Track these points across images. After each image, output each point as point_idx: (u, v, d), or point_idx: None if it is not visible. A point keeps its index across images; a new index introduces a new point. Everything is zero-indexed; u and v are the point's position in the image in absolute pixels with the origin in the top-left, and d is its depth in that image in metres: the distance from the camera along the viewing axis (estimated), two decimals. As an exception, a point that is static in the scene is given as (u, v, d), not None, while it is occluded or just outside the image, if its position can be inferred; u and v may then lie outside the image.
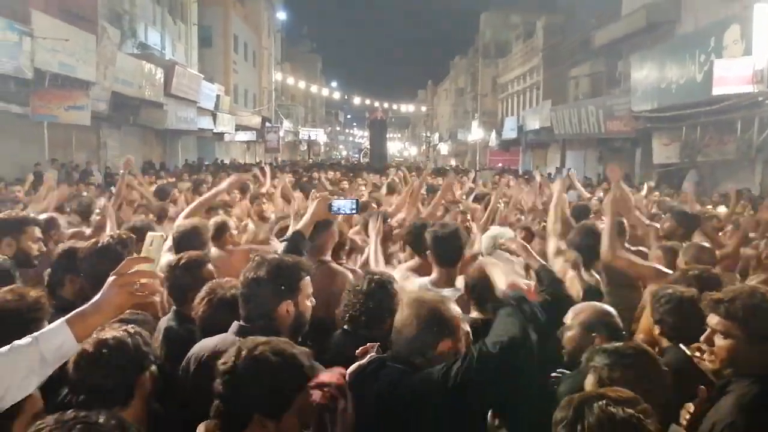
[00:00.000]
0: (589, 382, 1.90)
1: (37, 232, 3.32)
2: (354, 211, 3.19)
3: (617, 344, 2.01)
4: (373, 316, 2.52)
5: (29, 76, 11.74)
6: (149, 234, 1.79)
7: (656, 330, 2.66)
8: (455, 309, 2.20)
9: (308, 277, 2.27)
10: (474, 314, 2.86)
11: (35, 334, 1.58)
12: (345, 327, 2.60)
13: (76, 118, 13.59)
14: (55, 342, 1.56)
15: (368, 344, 2.22)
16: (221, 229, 4.17)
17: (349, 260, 4.02)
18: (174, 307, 2.70)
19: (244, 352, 1.65)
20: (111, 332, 1.88)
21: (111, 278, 1.65)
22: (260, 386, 1.62)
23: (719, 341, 2.03)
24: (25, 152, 13.33)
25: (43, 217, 4.04)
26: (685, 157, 14.81)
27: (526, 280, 2.56)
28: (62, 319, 1.61)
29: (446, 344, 2.08)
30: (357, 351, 2.21)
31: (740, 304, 1.99)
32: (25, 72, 11.53)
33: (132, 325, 1.98)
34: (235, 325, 2.20)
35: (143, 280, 1.65)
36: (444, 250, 3.26)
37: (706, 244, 3.93)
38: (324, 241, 3.34)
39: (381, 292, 2.56)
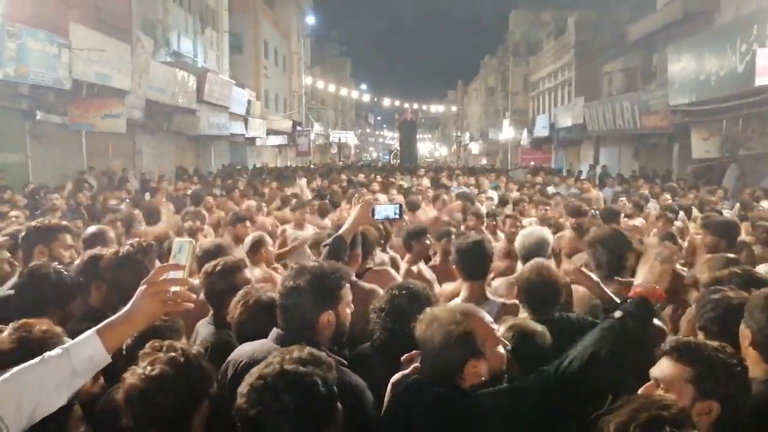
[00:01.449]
0: (680, 374, 1.81)
1: (69, 239, 3.34)
2: (397, 216, 3.12)
3: (712, 343, 1.90)
4: (395, 332, 2.39)
5: (68, 87, 12.05)
6: (176, 240, 1.75)
7: (700, 336, 2.51)
8: (484, 322, 2.08)
9: (348, 285, 2.21)
10: (524, 314, 2.79)
11: (66, 345, 1.55)
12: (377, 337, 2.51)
13: (112, 126, 13.90)
14: (86, 353, 1.52)
15: (414, 351, 2.13)
16: (257, 245, 4.18)
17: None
18: (211, 312, 2.71)
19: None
20: (161, 364, 1.74)
21: (142, 287, 1.61)
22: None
23: None
24: (64, 160, 13.71)
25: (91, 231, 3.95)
26: (726, 152, 14.31)
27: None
28: (92, 329, 1.56)
29: (473, 365, 1.94)
30: (402, 358, 2.15)
31: None
32: (63, 83, 11.84)
33: (186, 351, 1.83)
34: (274, 332, 2.16)
35: (174, 288, 1.61)
36: (470, 262, 3.14)
37: (731, 255, 3.60)
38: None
39: (416, 300, 2.46)
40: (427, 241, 4.34)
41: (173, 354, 1.77)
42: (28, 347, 1.80)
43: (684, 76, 15.19)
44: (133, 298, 1.61)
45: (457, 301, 3.12)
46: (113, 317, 1.59)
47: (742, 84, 12.07)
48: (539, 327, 2.44)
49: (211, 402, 1.80)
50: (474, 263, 3.15)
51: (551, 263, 3.41)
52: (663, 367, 1.83)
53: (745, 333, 2.12)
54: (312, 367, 1.63)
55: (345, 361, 2.12)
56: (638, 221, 6.66)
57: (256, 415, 1.55)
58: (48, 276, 2.63)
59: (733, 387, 1.75)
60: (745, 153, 13.88)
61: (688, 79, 14.95)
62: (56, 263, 2.85)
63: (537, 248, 3.76)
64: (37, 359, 1.50)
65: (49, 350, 1.70)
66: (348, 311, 2.21)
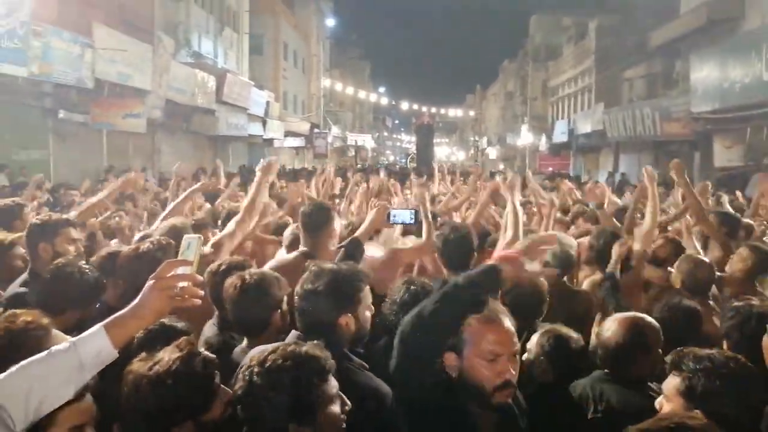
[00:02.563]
0: (672, 386, 1.77)
1: (73, 233, 3.24)
2: (412, 221, 3.12)
3: (710, 351, 1.84)
4: None
5: (90, 86, 12.22)
6: (186, 236, 1.73)
7: (724, 344, 2.49)
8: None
9: (367, 287, 2.19)
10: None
11: (73, 339, 1.54)
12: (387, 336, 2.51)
13: (132, 126, 14.06)
14: (94, 348, 1.51)
15: None
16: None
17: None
18: (216, 313, 2.67)
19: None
20: (165, 361, 1.72)
21: (149, 282, 1.60)
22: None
23: None
24: (85, 159, 13.89)
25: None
26: (750, 160, 14.08)
27: None
28: (100, 324, 1.56)
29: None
30: None
31: None
32: (86, 82, 12.00)
33: (192, 351, 1.79)
34: (292, 334, 2.13)
35: (182, 284, 1.60)
36: (455, 253, 3.15)
37: (704, 259, 3.59)
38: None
39: (414, 300, 2.45)
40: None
41: (189, 351, 1.76)
42: (8, 337, 1.79)
43: (707, 83, 14.97)
44: (140, 294, 1.60)
45: None
46: (121, 312, 1.59)
47: (768, 92, 11.87)
48: (574, 333, 2.43)
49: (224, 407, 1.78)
50: (458, 254, 3.16)
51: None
52: (667, 380, 1.81)
53: None
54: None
55: (366, 364, 2.09)
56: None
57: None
58: (72, 276, 2.60)
59: (729, 400, 1.67)
60: (770, 162, 13.64)
61: (711, 86, 14.73)
62: (83, 263, 2.82)
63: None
64: (44, 353, 1.50)
65: (33, 341, 1.73)
66: (368, 314, 2.19)
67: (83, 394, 1.60)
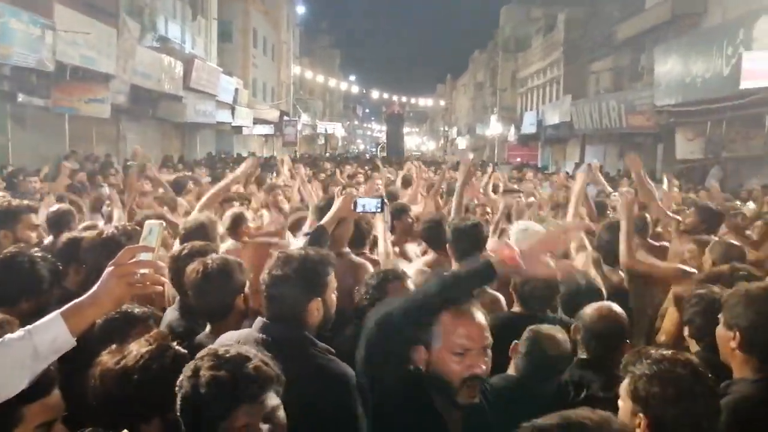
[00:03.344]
0: (623, 387, 1.77)
1: (33, 218, 3.20)
2: (379, 210, 3.14)
3: (665, 352, 1.81)
4: None
5: (51, 69, 11.83)
6: (147, 222, 1.69)
7: (686, 331, 2.59)
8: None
9: (333, 272, 2.19)
10: (516, 309, 2.89)
11: (28, 327, 1.49)
12: (356, 322, 2.53)
13: (96, 111, 13.69)
14: (49, 335, 1.47)
15: None
16: (237, 220, 4.12)
17: (372, 253, 3.94)
18: (178, 298, 2.65)
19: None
20: (134, 355, 1.70)
21: (109, 268, 1.56)
22: None
23: None
24: (46, 144, 13.47)
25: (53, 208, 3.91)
26: (709, 153, 14.51)
27: None
28: (57, 311, 1.51)
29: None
30: None
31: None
32: (46, 65, 11.62)
33: (162, 346, 1.77)
34: (259, 321, 2.11)
35: (143, 270, 1.56)
36: (465, 243, 3.17)
37: (735, 242, 3.79)
38: (340, 233, 3.26)
39: (389, 286, 2.49)
40: (409, 219, 4.34)
41: (159, 345, 1.74)
42: None
43: (670, 77, 15.34)
44: (99, 280, 1.56)
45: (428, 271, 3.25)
46: (79, 299, 1.54)
47: (728, 87, 12.22)
48: (560, 333, 2.43)
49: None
50: (469, 244, 3.17)
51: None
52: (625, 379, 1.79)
53: (727, 335, 2.07)
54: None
55: (332, 350, 2.10)
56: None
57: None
58: (21, 265, 2.50)
59: (669, 406, 1.63)
60: (728, 155, 14.07)
61: (674, 80, 15.10)
62: (36, 249, 2.73)
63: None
64: None
65: None
66: (333, 297, 2.20)
67: (50, 390, 1.55)
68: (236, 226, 4.06)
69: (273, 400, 1.53)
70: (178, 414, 1.52)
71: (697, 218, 4.50)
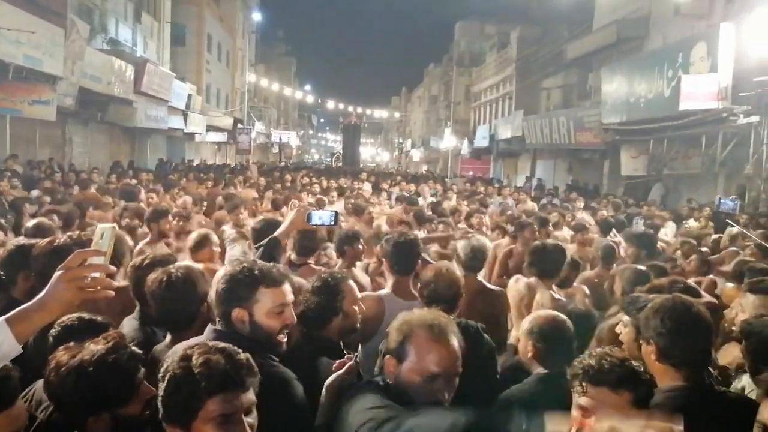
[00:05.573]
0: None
1: None
2: (332, 223, 3.18)
3: (609, 352, 2.00)
4: (317, 315, 2.51)
5: (-9, 68, 11.36)
6: (99, 226, 1.63)
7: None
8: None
9: (270, 291, 2.04)
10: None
11: None
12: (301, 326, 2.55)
13: (40, 113, 13.18)
14: None
15: (345, 357, 2.17)
16: (202, 241, 4.10)
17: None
18: (138, 308, 2.63)
19: None
20: (90, 350, 1.70)
21: (58, 272, 1.50)
22: None
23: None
24: (-15, 147, 12.89)
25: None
26: (652, 170, 15.17)
27: None
28: (2, 318, 1.46)
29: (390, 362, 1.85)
30: (334, 365, 2.15)
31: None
32: (-13, 64, 11.15)
33: (119, 343, 1.77)
34: (209, 329, 2.11)
35: (94, 275, 1.50)
36: (402, 258, 3.32)
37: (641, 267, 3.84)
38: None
39: (326, 290, 2.55)
40: (360, 246, 4.37)
41: (115, 343, 1.74)
42: None
43: (616, 96, 16.00)
44: (48, 285, 1.49)
45: (386, 292, 3.28)
46: (26, 305, 1.48)
47: (668, 108, 12.84)
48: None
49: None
50: (406, 259, 3.32)
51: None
52: None
53: (647, 349, 2.14)
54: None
55: (275, 357, 2.07)
56: (565, 232, 6.94)
57: None
58: None
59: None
60: (669, 172, 14.75)
61: (619, 99, 15.75)
62: None
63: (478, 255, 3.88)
64: None
65: None
66: (264, 316, 2.04)
67: (14, 401, 1.51)
68: (200, 247, 4.04)
69: (253, 396, 1.53)
70: (160, 397, 1.48)
71: (636, 249, 4.75)
